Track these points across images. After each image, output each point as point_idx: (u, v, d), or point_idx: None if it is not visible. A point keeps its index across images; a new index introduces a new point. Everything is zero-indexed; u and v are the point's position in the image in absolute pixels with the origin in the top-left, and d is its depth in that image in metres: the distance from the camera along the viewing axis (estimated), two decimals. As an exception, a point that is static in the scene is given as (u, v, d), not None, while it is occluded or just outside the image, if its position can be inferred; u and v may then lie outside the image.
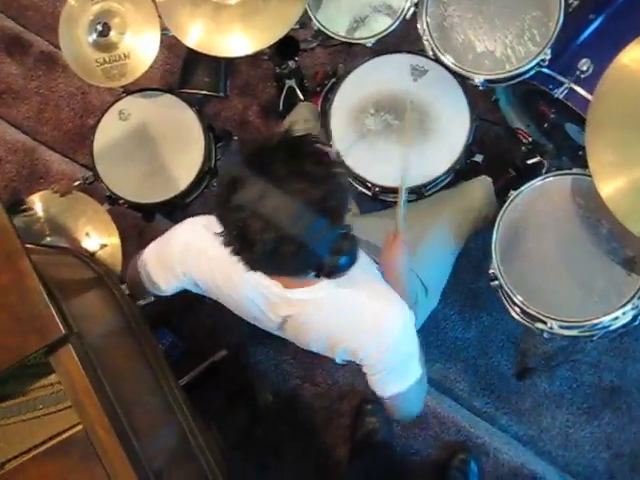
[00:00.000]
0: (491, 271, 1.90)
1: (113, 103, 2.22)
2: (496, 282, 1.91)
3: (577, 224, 1.87)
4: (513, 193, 1.93)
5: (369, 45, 2.10)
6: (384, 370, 1.48)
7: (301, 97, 2.49)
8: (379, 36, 2.07)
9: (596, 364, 2.42)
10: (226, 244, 1.23)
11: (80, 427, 1.28)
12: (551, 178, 1.93)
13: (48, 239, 2.19)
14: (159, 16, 2.05)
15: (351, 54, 2.63)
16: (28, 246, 1.37)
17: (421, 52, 2.06)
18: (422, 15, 2.02)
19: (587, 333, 1.85)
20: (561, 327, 1.83)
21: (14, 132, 2.78)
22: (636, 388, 2.39)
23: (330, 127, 2.05)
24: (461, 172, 2.03)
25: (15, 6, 3.02)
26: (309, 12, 2.08)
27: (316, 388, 2.37)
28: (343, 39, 2.11)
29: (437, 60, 2.02)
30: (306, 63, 2.71)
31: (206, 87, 2.50)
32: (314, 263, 1.25)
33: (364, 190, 2.04)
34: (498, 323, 2.47)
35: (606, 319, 1.78)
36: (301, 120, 2.18)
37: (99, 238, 2.17)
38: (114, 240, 2.17)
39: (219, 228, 1.24)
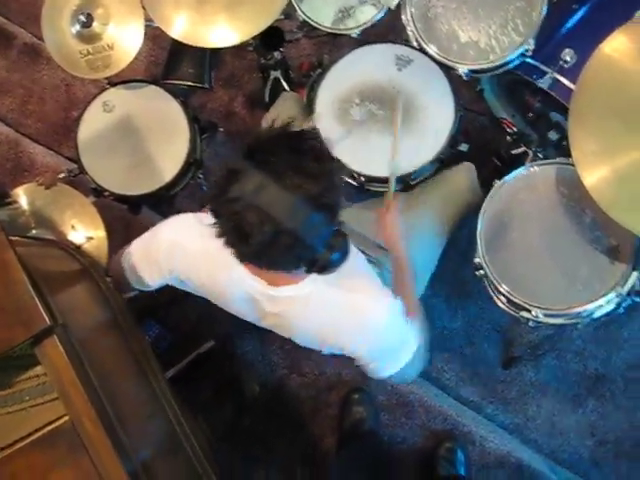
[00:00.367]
0: (476, 260, 1.92)
1: (97, 95, 2.21)
2: (481, 271, 1.92)
3: (561, 213, 1.89)
4: (498, 183, 1.94)
5: (354, 36, 2.10)
6: (375, 360, 1.49)
7: (287, 88, 2.48)
8: (364, 26, 2.07)
9: (581, 352, 2.44)
10: (220, 235, 1.23)
11: (67, 418, 1.28)
12: (535, 168, 1.94)
13: (34, 232, 2.17)
14: (143, 7, 2.04)
15: (336, 45, 2.62)
16: (13, 238, 1.37)
17: (406, 42, 2.06)
18: (406, 5, 2.03)
19: (572, 321, 1.87)
20: (546, 315, 1.85)
21: (-3, 125, 2.77)
22: (620, 376, 2.41)
23: (315, 117, 2.05)
24: (446, 162, 2.04)
25: (-3, -2, 3.00)
26: (294, 3, 2.08)
27: (303, 379, 2.38)
28: (328, 30, 2.11)
29: (422, 50, 2.02)
30: (291, 54, 2.71)
31: (190, 78, 2.49)
32: (308, 257, 1.24)
33: (349, 180, 2.04)
34: (484, 312, 2.48)
35: (590, 307, 1.79)
36: (286, 110, 2.18)
37: (85, 231, 2.16)
38: (100, 233, 2.16)
39: (212, 220, 1.23)
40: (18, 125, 2.82)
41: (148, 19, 2.07)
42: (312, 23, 2.10)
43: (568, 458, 2.40)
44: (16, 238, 1.77)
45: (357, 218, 1.91)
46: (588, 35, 1.88)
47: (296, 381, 2.37)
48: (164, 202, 2.28)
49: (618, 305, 1.84)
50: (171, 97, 2.18)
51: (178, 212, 2.59)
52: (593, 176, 1.65)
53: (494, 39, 1.95)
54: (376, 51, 2.10)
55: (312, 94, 2.10)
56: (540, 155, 2.20)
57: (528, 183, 1.93)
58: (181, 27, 2.03)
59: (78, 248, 2.12)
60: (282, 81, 2.49)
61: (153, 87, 2.21)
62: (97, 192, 2.18)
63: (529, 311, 1.85)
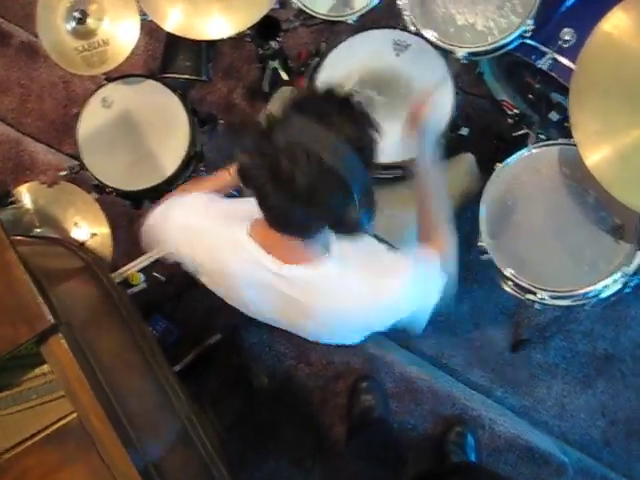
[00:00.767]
0: (480, 244, 1.91)
1: (95, 91, 2.21)
2: (486, 255, 1.91)
3: (564, 194, 1.88)
4: (499, 165, 1.93)
5: (351, 22, 2.08)
6: (405, 319, 1.48)
7: (285, 77, 2.47)
8: (360, 12, 2.05)
9: (589, 333, 2.43)
10: (257, 184, 1.22)
11: (74, 415, 1.28)
12: (537, 149, 1.93)
13: (37, 230, 2.17)
14: (137, 0, 2.03)
15: (334, 32, 2.60)
16: (15, 238, 1.37)
17: (403, 27, 2.05)
18: (402, -10, 2.01)
19: (578, 302, 1.86)
20: (552, 297, 1.84)
21: (-2, 124, 2.77)
22: (629, 355, 2.41)
23: (314, 107, 2.04)
24: (447, 146, 2.02)
25: (-8, -3, 3.00)
26: (289, -9, 2.07)
27: (311, 368, 2.38)
28: (324, 17, 2.09)
29: (419, 34, 2.01)
30: (289, 43, 2.69)
31: (188, 71, 2.47)
32: (344, 206, 1.23)
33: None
34: (490, 296, 2.48)
35: (596, 287, 1.79)
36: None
37: (88, 227, 2.16)
38: (104, 229, 2.16)
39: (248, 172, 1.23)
40: (18, 124, 2.81)
41: (143, 13, 2.06)
42: (308, 11, 2.08)
43: (579, 439, 2.40)
44: (18, 237, 1.78)
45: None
46: (587, 14, 1.86)
47: (304, 371, 2.37)
48: (166, 196, 2.27)
49: (625, 284, 1.83)
50: (169, 91, 2.18)
51: None
52: (595, 155, 1.64)
53: (492, 21, 1.93)
54: (373, 37, 2.08)
55: (311, 83, 2.09)
56: (542, 136, 2.18)
57: (530, 165, 1.92)
58: (175, 20, 2.02)
59: (82, 245, 2.12)
60: (281, 71, 2.48)
61: (151, 81, 2.21)
62: (99, 188, 2.18)
63: (535, 294, 1.84)
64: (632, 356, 2.41)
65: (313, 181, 1.17)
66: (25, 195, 2.21)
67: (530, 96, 2.23)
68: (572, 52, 1.86)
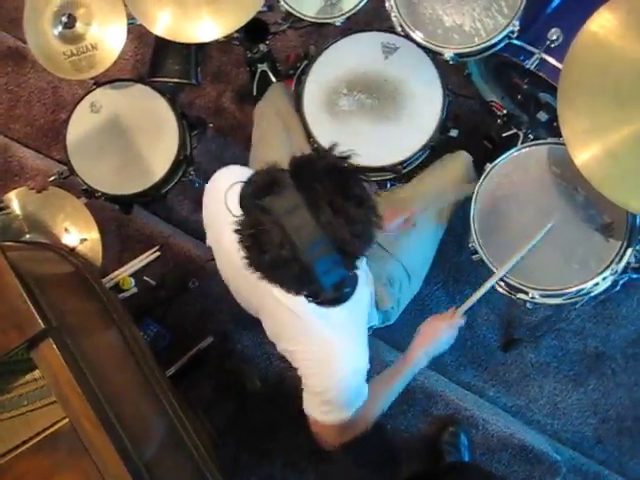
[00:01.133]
0: (471, 245, 1.91)
1: (84, 96, 2.20)
2: (477, 256, 1.92)
3: (554, 193, 1.88)
4: (489, 166, 1.94)
5: (338, 24, 2.08)
6: (317, 390, 1.51)
7: (274, 80, 2.47)
8: (348, 14, 2.05)
9: (580, 331, 2.45)
10: (237, 232, 1.22)
11: (66, 421, 1.28)
12: (526, 149, 1.93)
13: (27, 236, 2.17)
14: (125, 4, 2.03)
15: (323, 35, 2.62)
16: (5, 243, 1.36)
17: (391, 29, 2.05)
18: (390, -9, 2.01)
19: (569, 301, 1.87)
20: (543, 296, 1.85)
21: (-15, 131, 2.75)
22: (620, 353, 2.42)
23: (304, 109, 2.04)
24: (437, 148, 2.03)
25: (-22, 3, 2.98)
26: (276, -6, 2.07)
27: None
28: (311, 19, 2.09)
29: (407, 36, 2.01)
30: (278, 46, 2.70)
31: (177, 75, 2.47)
32: (312, 291, 1.25)
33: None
34: (482, 296, 2.48)
35: (586, 285, 1.79)
36: (275, 101, 2.16)
37: (78, 233, 2.16)
38: (93, 234, 2.16)
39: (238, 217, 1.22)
40: (6, 130, 2.80)
41: (131, 17, 2.05)
42: (295, 13, 2.08)
43: (571, 437, 2.42)
44: (8, 243, 1.77)
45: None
46: (574, 13, 1.87)
47: (296, 373, 2.36)
48: (156, 201, 2.27)
49: (615, 282, 1.85)
50: (158, 95, 2.17)
51: (170, 210, 2.65)
52: (584, 154, 1.64)
53: (479, 22, 1.94)
54: (362, 40, 2.09)
55: (300, 86, 2.10)
56: (531, 136, 2.19)
57: (520, 164, 1.93)
58: (163, 23, 2.01)
59: (72, 250, 2.11)
60: (270, 74, 2.48)
61: (140, 86, 2.20)
62: (88, 193, 2.18)
63: (526, 293, 1.85)
64: (623, 354, 2.42)
65: (280, 264, 1.16)
66: (14, 201, 2.20)
67: (519, 96, 2.23)
68: (559, 52, 1.86)
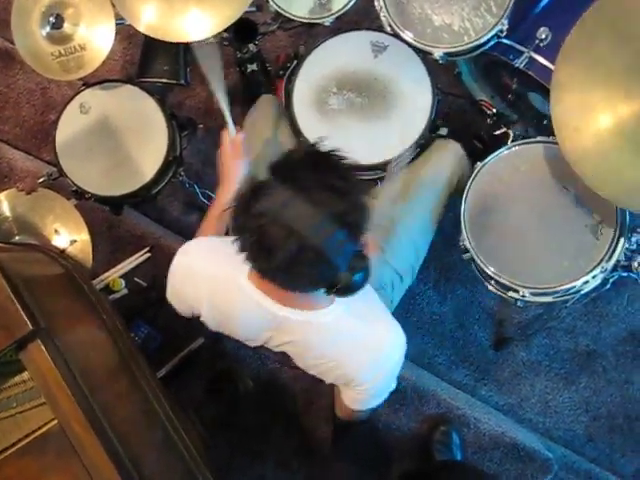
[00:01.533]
0: (461, 244, 1.92)
1: (73, 97, 2.19)
2: (468, 254, 1.92)
3: (544, 191, 1.89)
4: (479, 164, 1.94)
5: (327, 24, 2.08)
6: (371, 390, 1.50)
7: (263, 80, 2.47)
8: (337, 14, 2.05)
9: (571, 330, 2.45)
10: (242, 250, 1.21)
11: (55, 423, 1.27)
12: (516, 148, 1.94)
13: (17, 238, 2.16)
14: (113, 4, 2.02)
15: (312, 35, 2.61)
16: (-8, 244, 1.36)
17: (380, 29, 2.05)
18: (379, -10, 2.01)
19: (560, 299, 1.88)
20: (533, 294, 1.85)
21: (-26, 133, 2.74)
22: (611, 351, 2.43)
23: (293, 108, 2.04)
24: (426, 146, 2.03)
25: (-34, 4, 2.96)
26: (265, -6, 2.06)
27: (295, 371, 2.33)
28: (301, 19, 2.09)
29: (396, 36, 2.01)
30: (267, 47, 2.69)
31: (166, 75, 2.46)
32: (330, 277, 1.23)
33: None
34: (473, 295, 2.49)
35: (576, 284, 1.80)
36: (262, 114, 2.16)
37: (68, 234, 2.15)
38: (84, 236, 2.15)
39: (235, 236, 1.22)
40: (-5, 132, 2.79)
41: (119, 17, 2.04)
42: (284, 13, 2.08)
43: (563, 435, 2.42)
44: (-3, 244, 1.76)
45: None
46: (562, 12, 1.89)
47: (288, 373, 2.36)
48: (147, 201, 2.26)
49: (605, 281, 1.86)
50: (147, 95, 2.16)
51: (161, 211, 2.64)
52: (575, 151, 1.65)
53: (468, 21, 1.94)
54: (351, 39, 2.09)
55: (290, 86, 2.09)
56: (521, 135, 2.20)
57: (510, 163, 1.93)
58: (151, 22, 1.99)
59: (62, 252, 2.10)
60: (260, 74, 2.47)
61: (129, 86, 2.19)
62: (78, 194, 2.17)
63: (516, 291, 1.86)
64: (614, 352, 2.43)
65: (293, 257, 1.15)
66: (3, 203, 2.19)
67: (508, 96, 2.24)
68: (548, 51, 1.87)
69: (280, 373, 2.37)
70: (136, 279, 2.40)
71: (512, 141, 2.03)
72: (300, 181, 1.17)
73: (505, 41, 1.95)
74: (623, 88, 1.60)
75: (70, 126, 2.18)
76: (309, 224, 1.14)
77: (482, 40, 1.91)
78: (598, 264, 1.79)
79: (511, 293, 1.89)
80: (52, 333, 1.30)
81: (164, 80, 2.47)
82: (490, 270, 1.87)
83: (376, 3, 2.02)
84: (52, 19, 2.04)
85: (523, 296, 1.85)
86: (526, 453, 2.24)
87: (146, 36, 2.04)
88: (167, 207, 2.66)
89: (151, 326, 2.34)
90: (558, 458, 2.29)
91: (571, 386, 2.43)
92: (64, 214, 2.17)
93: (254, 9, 2.15)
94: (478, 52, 1.97)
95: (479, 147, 2.33)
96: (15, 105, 2.82)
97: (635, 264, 1.82)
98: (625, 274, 1.88)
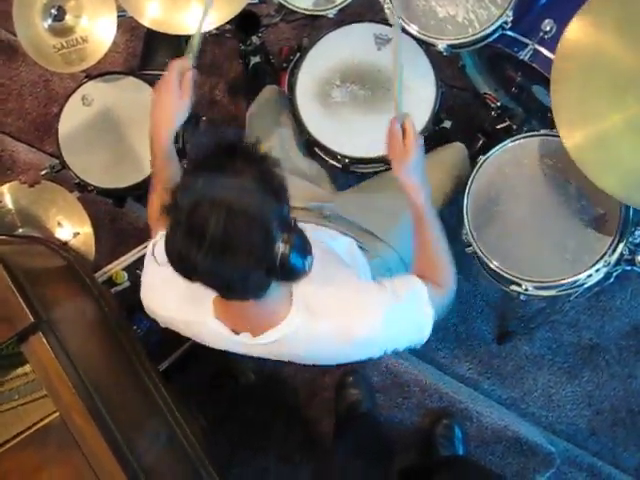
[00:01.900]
0: (464, 237, 1.91)
1: (75, 89, 2.19)
2: (470, 248, 1.91)
3: (547, 185, 1.88)
4: (482, 158, 1.93)
5: (331, 16, 2.06)
6: (390, 350, 1.46)
7: (267, 71, 2.46)
8: (340, 6, 2.04)
9: (575, 323, 2.45)
10: (172, 248, 1.17)
11: (56, 415, 1.27)
12: (519, 141, 1.93)
13: (20, 230, 2.16)
14: (115, -3, 2.01)
15: (316, 27, 2.60)
16: (-6, 237, 1.36)
17: (384, 21, 2.04)
18: (382, -18, 2.00)
19: (563, 292, 1.87)
20: (536, 288, 1.85)
21: (-23, 125, 2.74)
22: (614, 345, 2.42)
23: (297, 101, 2.03)
24: (430, 139, 2.02)
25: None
26: (268, -14, 2.05)
27: (297, 364, 2.37)
28: (304, 11, 2.08)
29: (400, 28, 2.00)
30: (271, 39, 2.69)
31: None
32: (267, 248, 1.17)
33: (334, 162, 2.03)
34: (476, 289, 2.48)
35: (580, 277, 1.79)
36: (265, 104, 2.15)
37: (71, 227, 2.15)
38: (86, 228, 2.16)
39: (170, 236, 1.17)
40: (-2, 124, 2.80)
41: (121, 9, 2.04)
42: (288, 5, 2.07)
43: (566, 429, 2.42)
44: (-2, 236, 1.76)
45: (348, 204, 1.91)
46: (568, 4, 1.85)
47: (290, 366, 2.36)
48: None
49: (609, 274, 1.84)
50: (149, 87, 2.15)
51: None
52: (578, 145, 1.63)
53: (472, 12, 1.92)
54: (354, 31, 2.08)
55: (293, 78, 2.08)
56: (524, 128, 2.19)
57: (513, 156, 1.92)
58: (154, 14, 1.99)
59: (65, 244, 2.11)
60: (263, 67, 2.46)
61: (131, 78, 2.19)
62: (81, 187, 2.17)
63: (519, 285, 1.85)
64: (617, 346, 2.42)
65: (225, 226, 1.12)
66: (6, 195, 2.19)
67: (512, 89, 2.22)
68: (553, 43, 1.85)
69: (282, 366, 2.37)
70: (138, 272, 2.39)
71: (516, 134, 2.02)
72: (214, 163, 1.18)
73: (509, 33, 1.93)
74: (625, 79, 1.59)
75: (73, 118, 2.17)
76: (231, 188, 1.14)
77: (487, 32, 1.89)
78: (601, 257, 1.78)
79: (514, 287, 1.88)
80: (54, 325, 1.30)
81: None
82: (493, 264, 1.86)
83: (380, -5, 2.00)
84: (54, 11, 2.03)
85: (526, 290, 1.85)
86: (529, 447, 2.23)
87: (149, 29, 2.03)
88: (169, 200, 2.66)
89: (152, 319, 2.33)
90: (561, 452, 2.29)
91: (574, 380, 2.43)
92: (67, 207, 2.17)
93: (257, 1, 2.14)
94: (482, 44, 1.96)
95: (483, 140, 2.33)
96: (18, 97, 2.82)
97: (639, 258, 1.81)
98: (629, 268, 1.87)
